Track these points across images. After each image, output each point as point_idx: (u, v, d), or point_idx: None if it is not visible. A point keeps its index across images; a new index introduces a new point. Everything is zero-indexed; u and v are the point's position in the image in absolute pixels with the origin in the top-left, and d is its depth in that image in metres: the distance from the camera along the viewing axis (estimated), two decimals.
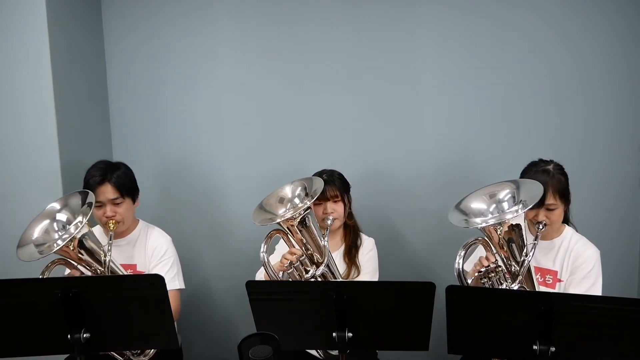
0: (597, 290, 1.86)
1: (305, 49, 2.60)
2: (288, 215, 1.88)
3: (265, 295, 1.64)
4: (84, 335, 1.53)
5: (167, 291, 1.54)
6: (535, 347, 1.44)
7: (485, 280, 1.74)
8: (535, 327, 1.44)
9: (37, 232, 1.79)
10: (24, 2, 2.22)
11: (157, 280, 1.52)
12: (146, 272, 2.09)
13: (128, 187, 2.07)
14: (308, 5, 2.57)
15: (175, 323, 2.02)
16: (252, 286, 1.61)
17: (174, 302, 2.05)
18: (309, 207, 1.90)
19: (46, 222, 1.81)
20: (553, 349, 1.42)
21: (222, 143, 2.70)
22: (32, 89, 2.26)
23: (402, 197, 2.63)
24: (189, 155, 2.72)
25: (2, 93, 2.27)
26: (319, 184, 1.97)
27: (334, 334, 1.57)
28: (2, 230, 2.33)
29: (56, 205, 1.84)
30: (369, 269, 2.18)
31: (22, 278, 1.53)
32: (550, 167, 1.88)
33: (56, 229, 1.80)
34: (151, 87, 2.69)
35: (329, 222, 2.08)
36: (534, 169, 1.89)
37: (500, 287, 1.73)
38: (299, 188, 2.00)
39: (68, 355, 1.90)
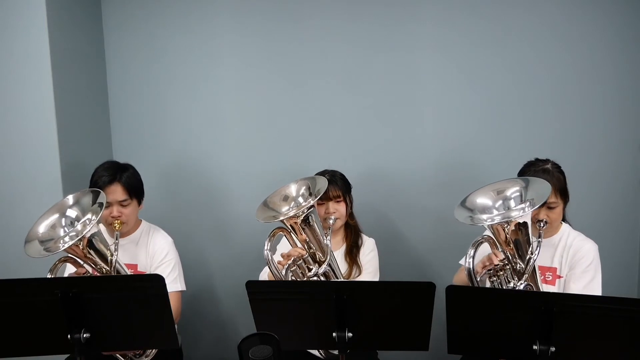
0: (597, 284, 1.87)
1: (305, 48, 2.60)
2: (291, 213, 1.89)
3: (265, 295, 1.64)
4: (84, 335, 1.53)
5: (167, 291, 1.54)
6: (535, 347, 1.44)
7: (495, 279, 1.74)
8: (535, 327, 1.44)
9: (44, 226, 1.77)
10: (24, 2, 2.22)
11: (157, 281, 1.52)
12: (147, 273, 2.09)
13: (136, 189, 2.09)
14: (308, 5, 2.57)
15: (176, 324, 2.03)
16: (252, 286, 1.61)
17: (175, 303, 2.05)
18: (312, 206, 1.91)
19: (56, 216, 1.80)
20: (553, 349, 1.42)
21: (222, 143, 2.70)
22: (32, 89, 2.26)
23: (401, 197, 2.63)
24: (189, 155, 2.72)
25: (2, 93, 2.27)
26: (322, 184, 1.98)
27: (334, 334, 1.57)
28: (3, 230, 2.34)
29: (69, 200, 1.83)
30: (370, 269, 2.19)
31: (22, 278, 1.53)
32: (549, 166, 1.89)
33: (64, 224, 1.79)
34: (151, 87, 2.69)
35: (331, 221, 2.10)
36: (533, 169, 1.89)
37: (507, 285, 1.73)
38: (303, 187, 2.02)
39: (68, 355, 1.90)
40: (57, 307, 1.50)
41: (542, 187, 1.72)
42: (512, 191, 1.76)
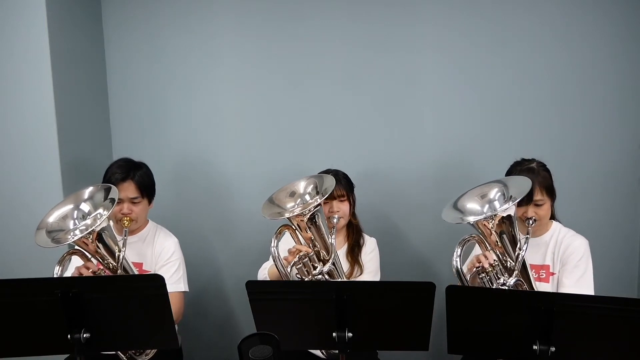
0: (588, 277, 1.91)
1: (305, 48, 2.60)
2: (297, 211, 1.89)
3: (265, 295, 1.64)
4: (84, 335, 1.53)
5: (167, 291, 1.54)
6: (535, 347, 1.44)
7: (484, 275, 1.76)
8: (535, 327, 1.44)
9: (55, 216, 1.78)
10: (24, 2, 2.22)
11: (158, 280, 1.52)
12: (151, 272, 2.10)
13: (148, 188, 2.10)
14: (308, 5, 2.57)
15: (177, 325, 2.03)
16: (252, 286, 1.61)
17: (177, 304, 2.06)
18: (319, 204, 1.91)
19: (70, 207, 1.81)
20: (553, 349, 1.43)
21: (222, 143, 2.70)
22: (33, 89, 2.26)
23: (402, 197, 2.63)
24: (189, 154, 2.72)
25: (2, 93, 2.27)
26: (329, 182, 1.99)
27: (334, 334, 1.57)
28: (3, 230, 2.33)
29: (84, 194, 1.84)
30: (371, 269, 2.20)
31: (22, 278, 1.53)
32: (534, 164, 1.94)
33: (75, 217, 1.80)
34: (151, 87, 2.69)
35: (335, 220, 2.11)
36: (519, 168, 1.94)
37: (497, 282, 1.76)
38: (310, 185, 2.03)
39: (68, 355, 1.90)
40: (57, 307, 1.50)
41: (521, 183, 1.77)
42: (494, 192, 1.81)
